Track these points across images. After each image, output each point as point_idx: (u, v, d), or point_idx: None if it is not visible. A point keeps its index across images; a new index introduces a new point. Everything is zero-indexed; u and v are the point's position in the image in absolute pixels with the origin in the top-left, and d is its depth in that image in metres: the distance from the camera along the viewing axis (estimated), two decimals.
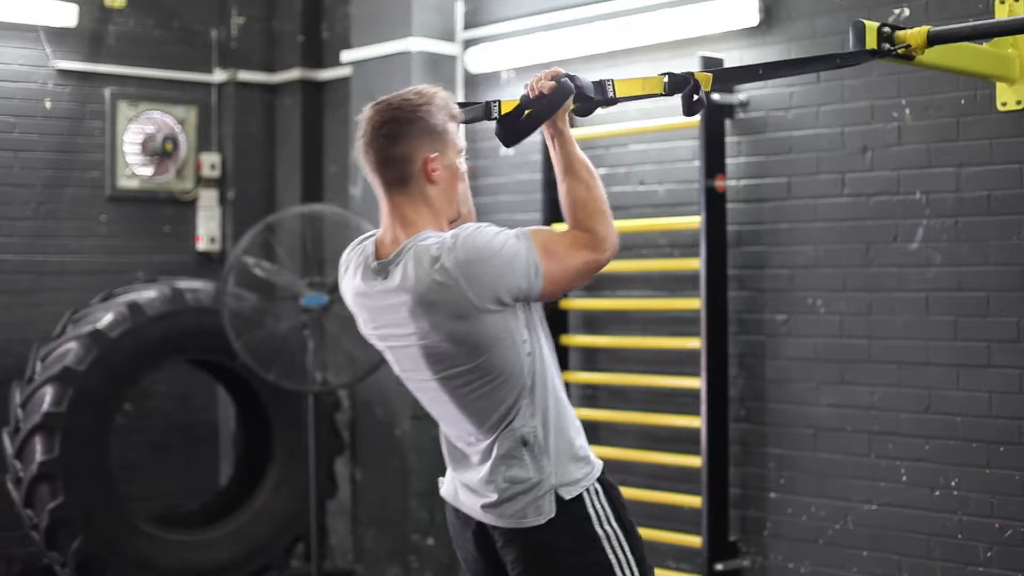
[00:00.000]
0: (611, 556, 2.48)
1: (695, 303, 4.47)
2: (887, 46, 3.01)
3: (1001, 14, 3.64)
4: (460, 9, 5.49)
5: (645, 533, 4.64)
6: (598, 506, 2.49)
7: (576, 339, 5.03)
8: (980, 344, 3.87)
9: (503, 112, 2.62)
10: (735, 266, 4.49)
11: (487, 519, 2.53)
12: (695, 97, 2.64)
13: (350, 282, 2.57)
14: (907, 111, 4.05)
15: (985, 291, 3.87)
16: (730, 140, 4.50)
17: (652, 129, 4.72)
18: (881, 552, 4.11)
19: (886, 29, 3.03)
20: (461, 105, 2.71)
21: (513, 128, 2.58)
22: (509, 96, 2.85)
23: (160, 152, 6.11)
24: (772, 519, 4.42)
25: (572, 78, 2.52)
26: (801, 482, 4.33)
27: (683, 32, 4.59)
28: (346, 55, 5.79)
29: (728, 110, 4.49)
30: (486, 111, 2.66)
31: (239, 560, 5.62)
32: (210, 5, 6.33)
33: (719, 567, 4.39)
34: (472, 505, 2.55)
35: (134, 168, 6.10)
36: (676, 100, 2.69)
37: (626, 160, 4.88)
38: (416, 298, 2.40)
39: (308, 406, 5.34)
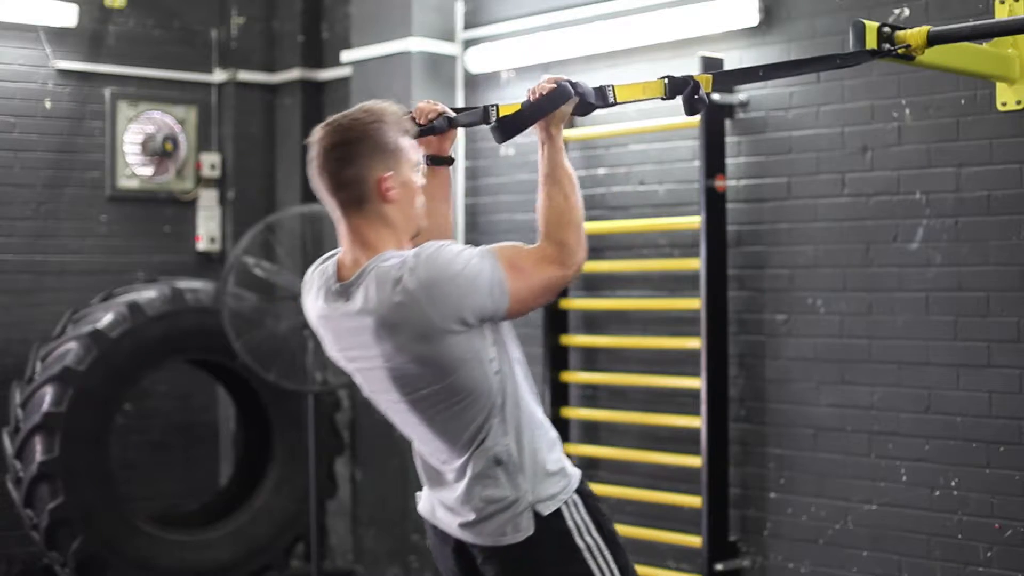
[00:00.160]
0: (593, 566, 2.45)
1: (695, 303, 4.47)
2: (887, 46, 3.01)
3: (1001, 14, 3.64)
4: (460, 9, 5.49)
5: (645, 533, 4.69)
6: (577, 518, 2.46)
7: (576, 339, 5.02)
8: (980, 344, 3.87)
9: (501, 116, 2.61)
10: (735, 266, 4.49)
11: (466, 537, 2.50)
12: (696, 96, 2.63)
13: (313, 303, 2.54)
14: (907, 111, 4.05)
15: (985, 291, 3.87)
16: (730, 140, 4.49)
17: (652, 129, 4.71)
18: (881, 552, 4.11)
19: (886, 29, 3.02)
20: (458, 111, 2.70)
21: (508, 121, 2.56)
22: (508, 98, 2.85)
23: (160, 152, 6.11)
24: (772, 519, 4.42)
25: (574, 84, 2.51)
26: (801, 482, 4.33)
27: (683, 32, 4.59)
28: (346, 55, 5.78)
29: (728, 110, 4.49)
30: (484, 115, 2.65)
31: (239, 560, 5.62)
32: (210, 5, 6.33)
33: (719, 567, 4.39)
34: (450, 523, 2.52)
35: (134, 168, 6.10)
36: (676, 100, 2.69)
37: (626, 160, 4.88)
38: (379, 320, 2.36)
39: (308, 406, 5.34)
